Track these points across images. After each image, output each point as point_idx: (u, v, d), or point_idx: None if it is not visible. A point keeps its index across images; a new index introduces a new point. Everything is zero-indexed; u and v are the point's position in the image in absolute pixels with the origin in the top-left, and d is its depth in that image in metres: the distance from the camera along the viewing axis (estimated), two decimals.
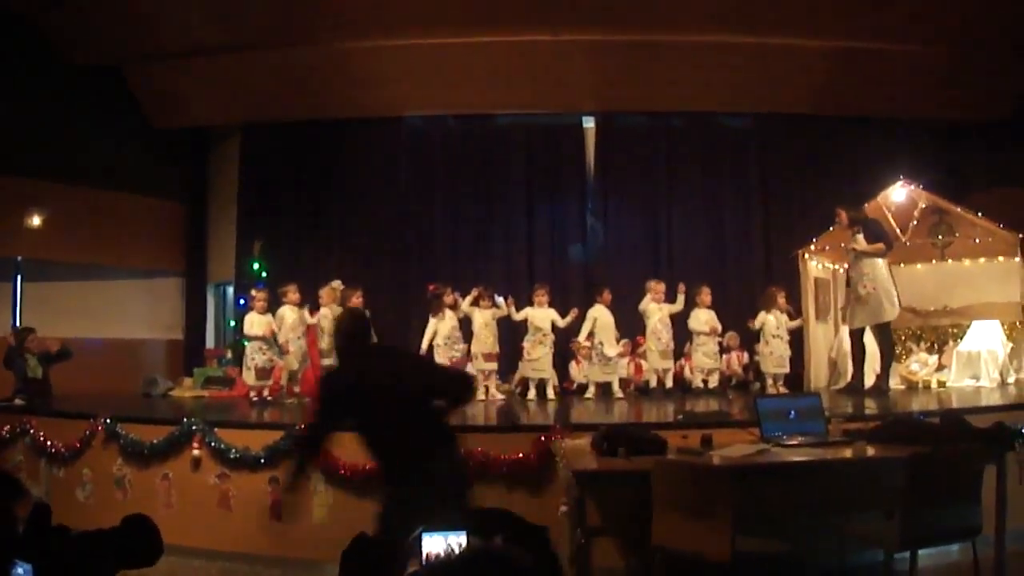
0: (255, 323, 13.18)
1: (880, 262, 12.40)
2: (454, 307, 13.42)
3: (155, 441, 9.66)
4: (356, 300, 13.38)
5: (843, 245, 13.09)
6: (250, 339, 13.24)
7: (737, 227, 16.76)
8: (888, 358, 12.52)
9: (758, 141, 16.90)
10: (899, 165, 14.09)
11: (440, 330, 13.20)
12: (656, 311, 13.52)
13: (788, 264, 14.50)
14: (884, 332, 12.51)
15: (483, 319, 13.37)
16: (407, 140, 17.20)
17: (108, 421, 10.03)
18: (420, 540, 2.14)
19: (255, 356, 13.10)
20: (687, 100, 16.14)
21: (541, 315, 13.30)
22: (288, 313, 13.52)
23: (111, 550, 2.51)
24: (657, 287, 13.62)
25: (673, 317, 13.62)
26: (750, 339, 14.34)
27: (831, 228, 13.50)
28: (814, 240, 14.13)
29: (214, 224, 18.11)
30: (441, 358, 13.11)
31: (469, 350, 13.49)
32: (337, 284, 13.83)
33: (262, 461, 9.13)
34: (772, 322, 13.49)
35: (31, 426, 10.69)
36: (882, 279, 12.35)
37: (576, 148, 17.07)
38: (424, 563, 2.01)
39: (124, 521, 2.62)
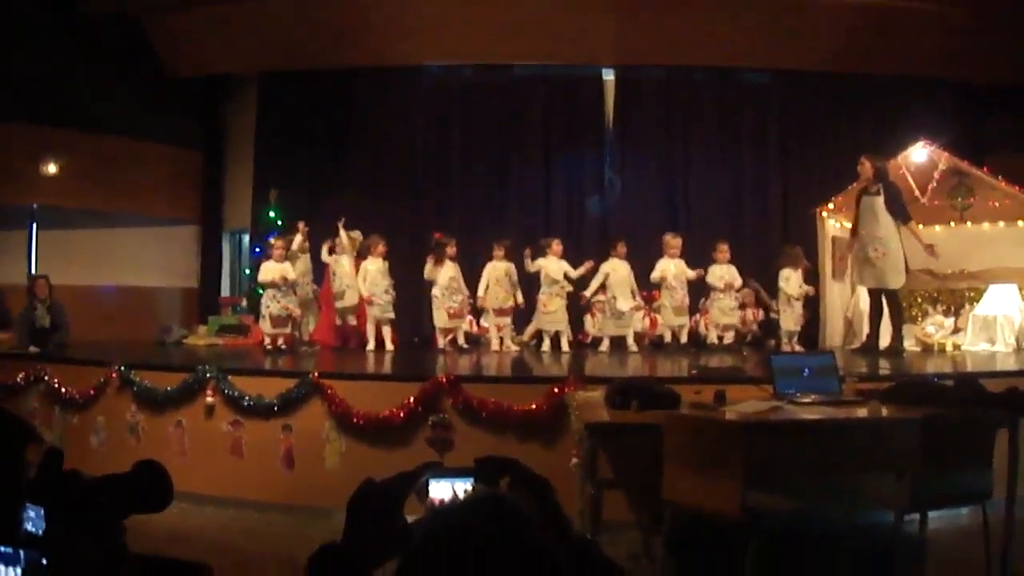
0: (268, 270, 13.18)
1: (894, 228, 12.34)
2: (455, 259, 13.47)
3: (169, 388, 9.70)
4: (380, 248, 13.48)
5: (859, 190, 12.89)
6: (264, 287, 13.25)
7: (755, 184, 16.69)
8: (898, 320, 12.51)
9: (778, 98, 16.80)
10: (920, 126, 14.04)
11: (439, 280, 13.25)
12: (670, 267, 13.54)
13: (805, 222, 14.49)
14: (892, 296, 12.49)
15: (495, 275, 13.42)
16: (425, 89, 17.12)
17: (122, 368, 10.06)
18: (427, 486, 2.16)
19: (270, 304, 13.11)
20: (708, 55, 16.02)
21: (555, 267, 13.33)
22: (298, 258, 13.58)
23: (122, 495, 2.53)
24: (673, 242, 13.62)
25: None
26: (767, 295, 14.37)
27: (849, 187, 13.43)
28: (832, 198, 14.10)
29: (230, 172, 18.11)
30: (439, 309, 13.22)
31: (474, 300, 13.64)
32: (356, 234, 13.83)
33: (275, 409, 9.18)
34: (793, 279, 13.46)
35: (46, 373, 10.73)
36: (894, 247, 12.28)
37: (595, 101, 16.99)
38: (430, 508, 2.03)
39: (135, 466, 2.64)
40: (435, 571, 1.64)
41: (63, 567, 2.23)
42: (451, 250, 13.38)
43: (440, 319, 13.33)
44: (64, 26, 14.73)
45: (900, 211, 12.26)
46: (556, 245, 13.46)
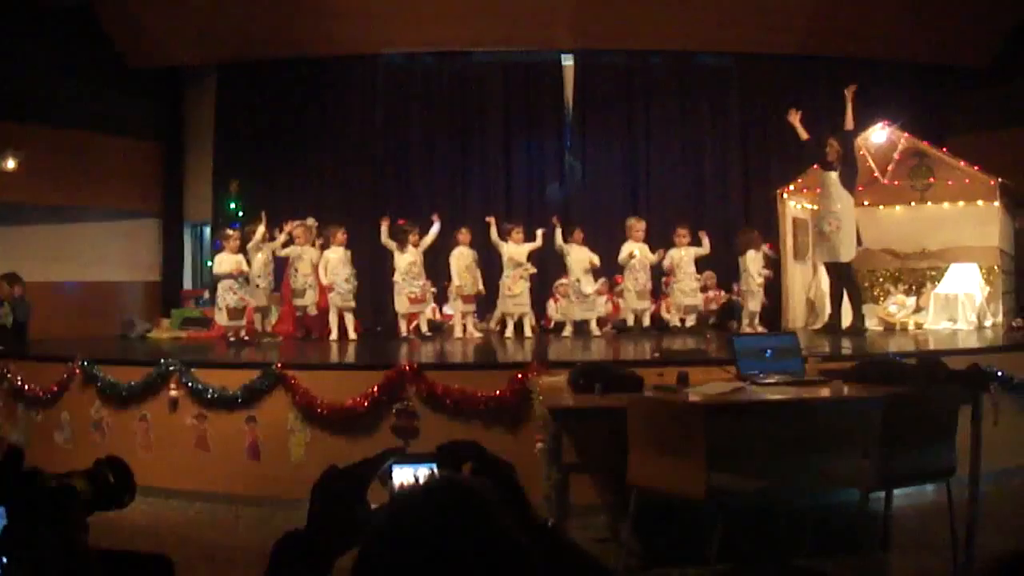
0: (223, 261, 13.07)
1: (850, 203, 12.43)
2: (417, 245, 13.38)
3: (132, 383, 9.62)
4: (340, 237, 13.41)
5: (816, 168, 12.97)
6: (219, 278, 13.15)
7: (716, 167, 16.72)
8: (856, 298, 12.61)
9: (738, 81, 16.83)
10: (881, 107, 14.01)
11: (399, 265, 13.20)
12: (634, 251, 13.57)
13: (766, 204, 14.56)
14: (846, 272, 12.58)
15: (464, 262, 13.42)
16: (384, 78, 17.12)
17: (86, 364, 9.97)
18: (390, 472, 2.16)
19: (225, 296, 12.99)
20: (667, 38, 16.01)
21: (519, 250, 13.39)
22: (260, 249, 13.51)
23: (83, 491, 2.51)
24: (637, 225, 13.68)
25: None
26: (728, 278, 14.46)
27: (812, 167, 13.43)
28: (793, 180, 14.14)
29: (191, 164, 17.96)
30: (400, 295, 13.19)
31: (443, 287, 13.77)
32: (311, 222, 13.77)
33: (239, 401, 9.15)
34: (758, 261, 13.60)
35: (8, 370, 10.65)
36: (847, 222, 12.37)
37: (554, 86, 17.02)
38: (393, 493, 2.02)
39: (96, 463, 2.62)
40: (397, 555, 1.64)
41: (24, 566, 2.22)
42: (413, 237, 13.32)
43: (401, 305, 13.27)
44: (19, 18, 14.56)
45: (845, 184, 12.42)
46: (516, 233, 13.51)
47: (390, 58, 17.00)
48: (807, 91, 16.18)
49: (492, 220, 13.60)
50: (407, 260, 13.20)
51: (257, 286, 13.40)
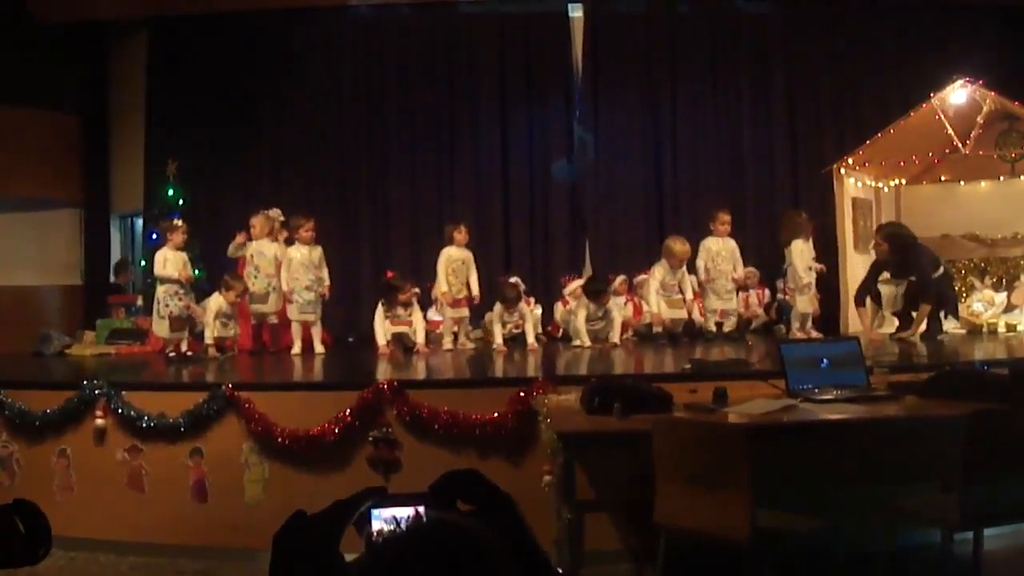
0: (169, 261, 12.92)
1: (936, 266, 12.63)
2: (409, 304, 13.23)
3: (49, 410, 9.54)
4: (304, 233, 13.24)
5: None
6: (163, 281, 13.02)
7: (758, 137, 16.53)
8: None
9: (784, 31, 16.70)
10: (960, 60, 13.92)
11: (387, 328, 13.05)
12: (667, 278, 13.55)
13: (820, 182, 14.49)
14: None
15: (451, 265, 13.37)
16: (352, 35, 17.01)
17: None
18: (369, 517, 2.14)
19: (169, 302, 12.85)
20: None
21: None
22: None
23: None
24: (681, 249, 13.55)
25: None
26: (772, 274, 14.41)
27: (877, 135, 13.41)
28: (852, 152, 14.08)
29: (117, 142, 17.89)
30: (378, 318, 13.07)
31: (427, 288, 13.65)
32: (275, 213, 13.70)
33: (182, 430, 9.12)
34: (807, 252, 13.47)
35: None
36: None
37: (560, 43, 16.86)
38: (370, 542, 2.02)
39: (0, 509, 2.59)
40: None
41: None
42: (405, 295, 13.10)
43: (381, 331, 13.17)
44: None
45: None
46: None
47: (360, 10, 16.90)
48: (869, 42, 16.11)
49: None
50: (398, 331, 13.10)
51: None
